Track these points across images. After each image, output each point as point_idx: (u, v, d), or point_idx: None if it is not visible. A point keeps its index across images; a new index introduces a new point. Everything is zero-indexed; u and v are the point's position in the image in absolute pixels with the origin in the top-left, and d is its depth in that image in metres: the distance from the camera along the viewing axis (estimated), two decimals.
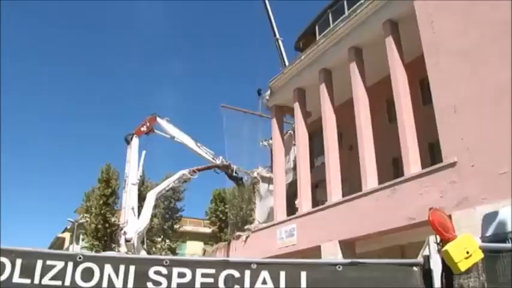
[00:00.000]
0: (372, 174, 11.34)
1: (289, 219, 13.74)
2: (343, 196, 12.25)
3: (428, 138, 11.06)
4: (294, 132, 16.45)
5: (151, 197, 14.40)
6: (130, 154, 14.54)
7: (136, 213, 13.58)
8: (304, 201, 13.68)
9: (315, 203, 14.27)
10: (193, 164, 15.95)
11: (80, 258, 2.29)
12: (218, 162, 15.86)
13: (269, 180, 17.25)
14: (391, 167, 13.12)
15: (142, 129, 14.97)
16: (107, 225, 23.23)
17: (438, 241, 2.40)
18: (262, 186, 17.42)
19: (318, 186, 16.07)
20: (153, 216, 23.29)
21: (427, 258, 2.48)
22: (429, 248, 2.48)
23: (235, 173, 16.38)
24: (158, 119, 15.30)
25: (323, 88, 13.75)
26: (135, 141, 14.76)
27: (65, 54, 57.01)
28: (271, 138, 17.67)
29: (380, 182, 10.96)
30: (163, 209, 26.35)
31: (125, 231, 12.98)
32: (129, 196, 13.80)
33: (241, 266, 2.32)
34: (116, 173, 24.91)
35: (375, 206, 10.56)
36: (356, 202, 11.26)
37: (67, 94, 60.79)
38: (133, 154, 14.54)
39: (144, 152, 14.83)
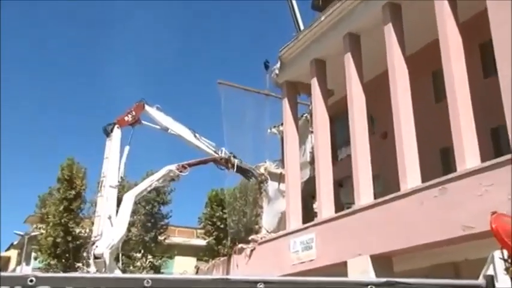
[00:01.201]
0: (414, 170, 11.23)
1: (306, 228, 13.80)
2: (375, 198, 12.25)
3: (491, 122, 10.98)
4: (311, 116, 16.52)
5: (128, 200, 14.49)
6: (110, 149, 14.64)
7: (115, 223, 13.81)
8: (324, 204, 13.72)
9: (339, 207, 14.28)
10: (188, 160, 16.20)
11: (31, 281, 2.18)
12: (222, 155, 16.20)
13: (279, 178, 17.31)
14: (438, 160, 13.06)
15: (126, 118, 15.13)
16: (69, 238, 22.81)
17: (506, 257, 2.29)
18: (271, 186, 17.53)
19: (343, 185, 16.18)
20: (131, 224, 23.45)
21: (490, 279, 2.38)
22: (494, 266, 2.41)
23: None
24: (147, 107, 15.50)
25: (349, 58, 13.63)
26: (116, 133, 14.87)
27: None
28: (281, 124, 17.73)
29: (424, 180, 10.83)
30: (144, 215, 26.46)
31: (97, 246, 13.06)
32: (106, 202, 13.91)
33: (244, 286, 2.27)
34: (81, 170, 24.77)
35: (417, 210, 10.44)
36: (393, 205, 11.17)
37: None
38: (113, 149, 14.62)
39: (127, 148, 14.94)
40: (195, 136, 16.05)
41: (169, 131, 15.74)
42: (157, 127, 15.88)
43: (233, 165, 16.46)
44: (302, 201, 15.29)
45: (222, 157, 16.27)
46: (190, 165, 15.94)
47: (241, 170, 17.12)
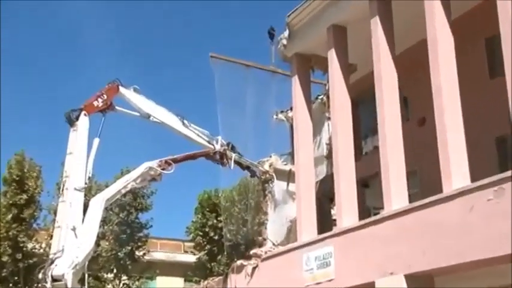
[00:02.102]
0: (461, 165, 11.07)
1: (323, 239, 13.81)
2: (410, 201, 12.18)
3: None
4: (328, 98, 16.47)
5: (97, 206, 14.51)
6: (75, 142, 14.72)
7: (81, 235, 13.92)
8: (345, 209, 13.72)
9: (364, 213, 14.45)
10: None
11: None
12: (217, 147, 16.60)
13: (288, 177, 17.40)
14: (493, 153, 12.98)
15: (96, 103, 15.23)
16: (19, 256, 22.48)
17: None
18: (278, 186, 17.66)
19: (369, 185, 16.41)
20: (101, 237, 23.45)
21: None
22: None
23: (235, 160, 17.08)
24: (122, 90, 15.70)
25: (377, 24, 13.46)
26: (83, 121, 14.92)
27: None
28: (291, 109, 17.98)
29: (474, 178, 10.65)
30: (117, 225, 26.54)
31: (56, 265, 13.03)
32: (69, 208, 13.95)
33: None
34: (35, 168, 24.67)
35: (466, 217, 10.26)
36: (433, 211, 11.01)
37: None
38: (79, 142, 14.69)
39: (96, 141, 14.99)
40: (184, 124, 16.25)
41: (150, 118, 15.95)
42: (136, 114, 16.06)
43: (229, 159, 16.72)
44: (317, 205, 15.37)
45: (216, 150, 16.53)
46: (175, 161, 16.09)
47: (241, 166, 17.40)
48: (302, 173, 15.67)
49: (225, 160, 16.79)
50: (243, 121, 17.89)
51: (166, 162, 15.92)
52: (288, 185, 17.61)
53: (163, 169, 15.87)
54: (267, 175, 17.65)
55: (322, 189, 16.65)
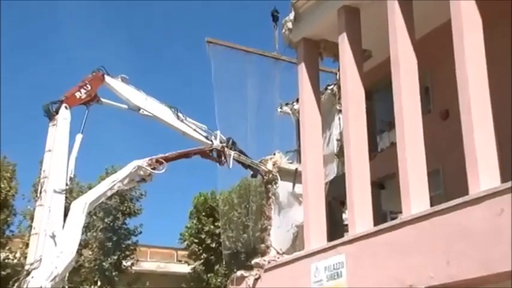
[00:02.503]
0: (489, 164, 10.99)
1: (333, 247, 13.84)
2: (431, 204, 12.14)
3: None
4: (338, 88, 16.58)
5: (79, 211, 14.55)
6: (55, 138, 14.78)
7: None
8: (359, 213, 13.75)
9: (380, 217, 14.56)
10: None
11: None
12: (215, 143, 16.86)
13: (294, 177, 17.53)
14: None
15: (78, 95, 15.32)
16: None
17: None
18: (283, 188, 17.80)
19: (385, 186, 16.45)
20: (84, 245, 23.41)
21: None
22: None
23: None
24: (108, 79, 15.83)
25: (394, 4, 13.44)
26: (64, 115, 14.99)
27: None
28: (297, 101, 18.22)
29: (505, 179, 10.60)
30: (102, 231, 26.58)
31: (33, 277, 13.08)
32: (48, 213, 14.01)
33: None
34: (8, 167, 24.67)
35: (495, 222, 10.14)
36: (458, 215, 10.93)
37: None
38: (60, 138, 14.75)
39: (79, 137, 15.07)
40: (178, 117, 16.47)
41: (140, 111, 16.15)
42: (124, 106, 16.25)
43: (228, 157, 16.92)
44: (327, 209, 15.45)
45: (213, 147, 16.70)
46: (167, 159, 16.24)
47: (242, 165, 17.66)
48: (310, 173, 15.72)
49: (223, 158, 16.93)
50: (243, 114, 18.04)
51: (157, 160, 16.03)
52: (293, 186, 17.72)
53: (153, 168, 15.96)
54: (270, 175, 17.74)
55: (332, 191, 16.73)
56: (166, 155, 16.41)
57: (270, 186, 17.88)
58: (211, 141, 16.89)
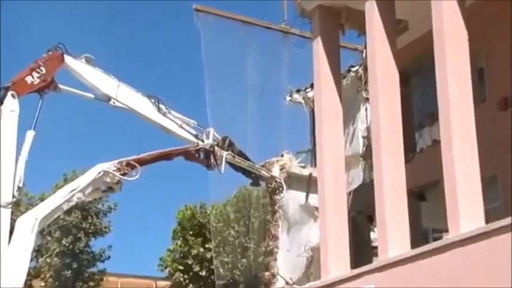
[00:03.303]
0: None
1: (359, 275, 13.86)
2: (487, 221, 12.09)
3: None
4: (365, 70, 16.55)
5: (26, 229, 14.50)
6: None
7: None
8: (392, 232, 13.73)
9: (419, 238, 14.47)
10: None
11: None
12: (207, 142, 16.85)
13: (308, 185, 17.76)
14: None
15: (29, 80, 15.29)
16: None
17: None
18: (293, 199, 18.01)
19: (425, 197, 16.45)
20: (34, 274, 23.09)
21: None
22: None
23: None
24: (68, 60, 15.81)
25: None
26: (10, 106, 14.93)
27: None
28: (311, 86, 18.11)
29: None
30: (59, 255, 26.77)
31: None
32: None
33: None
34: None
35: None
36: None
37: None
38: (4, 135, 14.71)
39: (30, 134, 15.06)
40: (159, 110, 16.48)
41: (111, 101, 16.16)
42: (89, 95, 16.26)
43: (218, 160, 16.81)
44: (350, 227, 15.50)
45: (200, 146, 16.64)
46: (141, 162, 16.15)
47: (239, 171, 17.62)
48: (328, 180, 15.69)
49: (212, 160, 16.86)
50: (241, 104, 18.21)
51: (128, 164, 15.86)
52: (307, 197, 17.81)
53: (123, 174, 15.80)
54: (276, 183, 17.76)
55: (357, 204, 16.78)
56: (141, 156, 16.29)
57: (276, 197, 17.94)
58: (202, 140, 16.89)
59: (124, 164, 15.89)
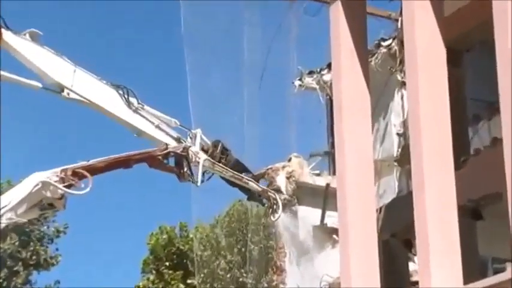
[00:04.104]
0: None
1: None
2: None
3: None
4: (401, 44, 16.87)
5: None
6: None
7: None
8: (437, 261, 13.56)
9: (474, 268, 14.68)
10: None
11: None
12: (173, 143, 17.00)
13: (324, 199, 18.09)
14: None
15: None
16: None
17: None
18: (304, 219, 18.39)
19: (482, 215, 16.49)
20: None
21: None
22: None
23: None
24: (8, 36, 15.97)
25: None
26: None
27: None
28: (328, 67, 18.36)
29: None
30: None
31: None
32: None
33: None
34: None
35: None
36: None
37: None
38: None
39: None
40: (129, 104, 16.70)
41: (65, 92, 16.29)
42: (36, 84, 16.36)
43: (190, 167, 16.85)
44: (381, 254, 15.57)
45: (169, 150, 16.72)
46: (91, 170, 16.06)
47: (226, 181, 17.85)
48: (351, 193, 15.68)
49: (185, 169, 16.90)
50: (235, 91, 18.42)
51: (74, 173, 15.62)
52: (323, 215, 18.05)
53: (69, 186, 15.64)
54: (270, 199, 17.74)
55: (390, 224, 16.81)
56: (91, 163, 16.15)
57: (269, 218, 18.13)
58: (183, 142, 17.08)
59: (69, 172, 15.63)
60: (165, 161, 16.91)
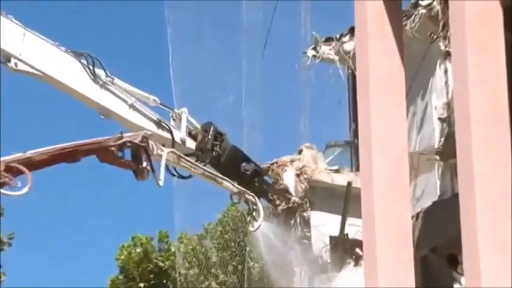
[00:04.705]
0: None
1: None
2: None
3: None
4: (445, 3, 16.80)
5: None
6: None
7: None
8: (492, 281, 13.34)
9: None
10: None
11: None
12: (177, 136, 17.22)
13: (345, 202, 18.15)
14: None
15: None
16: None
17: None
18: (318, 229, 18.50)
19: None
20: None
21: None
22: None
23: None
24: None
25: None
26: None
27: None
28: (351, 32, 18.64)
29: None
30: None
31: None
32: None
33: None
34: None
35: None
36: None
37: None
38: None
39: None
40: (95, 78, 16.68)
41: (12, 62, 16.24)
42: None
43: (151, 162, 16.51)
44: (419, 274, 15.93)
45: (125, 140, 16.15)
46: (30, 164, 15.82)
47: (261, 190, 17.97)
48: (379, 194, 15.62)
49: (144, 164, 16.63)
50: (230, 66, 18.48)
51: (8, 168, 15.54)
52: (343, 224, 18.09)
53: (1, 184, 15.63)
54: (248, 203, 17.78)
55: (430, 234, 16.76)
56: (29, 155, 15.43)
57: (291, 220, 18.18)
58: (169, 129, 17.07)
59: (1, 167, 15.62)
60: (120, 154, 16.65)
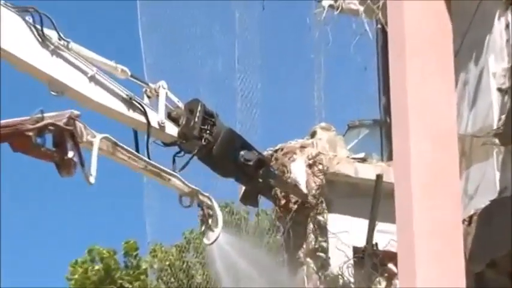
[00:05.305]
0: None
1: None
2: None
3: None
4: None
5: None
6: None
7: None
8: None
9: None
10: None
11: None
12: (153, 118, 16.86)
13: (374, 201, 18.23)
14: None
15: None
16: None
17: None
18: (337, 237, 18.61)
19: None
20: None
21: None
22: None
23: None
24: None
25: None
26: None
27: None
28: None
29: None
30: None
31: None
32: None
33: None
34: None
35: None
36: None
37: None
38: None
39: None
40: (44, 40, 16.20)
41: None
42: None
43: (80, 155, 16.24)
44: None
45: (45, 123, 15.80)
46: None
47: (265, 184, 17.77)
48: (419, 190, 14.75)
49: (70, 155, 16.23)
50: (216, 17, 18.90)
51: None
52: (371, 230, 18.01)
53: None
54: (203, 206, 17.45)
55: (487, 244, 16.68)
56: None
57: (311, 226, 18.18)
58: (142, 108, 16.46)
59: None
60: (39, 141, 16.28)
